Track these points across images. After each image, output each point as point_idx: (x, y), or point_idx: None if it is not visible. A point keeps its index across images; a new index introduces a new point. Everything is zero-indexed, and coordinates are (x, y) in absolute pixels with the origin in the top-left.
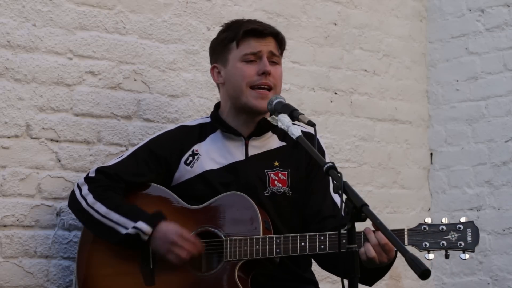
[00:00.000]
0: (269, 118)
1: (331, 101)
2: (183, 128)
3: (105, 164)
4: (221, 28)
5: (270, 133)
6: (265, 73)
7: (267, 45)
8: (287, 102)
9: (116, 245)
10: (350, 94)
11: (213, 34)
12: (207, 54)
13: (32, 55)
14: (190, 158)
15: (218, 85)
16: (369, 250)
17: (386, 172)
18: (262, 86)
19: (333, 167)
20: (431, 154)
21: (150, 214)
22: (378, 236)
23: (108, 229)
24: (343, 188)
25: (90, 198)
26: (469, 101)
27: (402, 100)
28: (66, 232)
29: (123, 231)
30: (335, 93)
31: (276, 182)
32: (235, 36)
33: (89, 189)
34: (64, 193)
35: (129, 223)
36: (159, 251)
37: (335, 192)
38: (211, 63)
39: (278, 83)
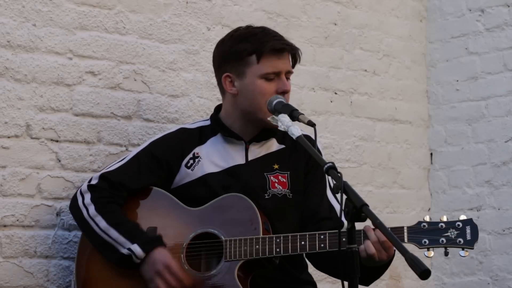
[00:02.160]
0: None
1: (331, 101)
2: (183, 131)
3: (107, 169)
4: (233, 34)
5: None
6: (285, 93)
7: (286, 64)
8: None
9: (109, 261)
10: (350, 94)
11: (213, 34)
12: (207, 54)
13: (32, 55)
14: (191, 161)
15: (225, 92)
16: (369, 247)
17: (386, 172)
18: None
19: (333, 167)
20: (431, 154)
21: (148, 238)
22: (377, 233)
23: (105, 244)
24: (343, 188)
25: (92, 209)
26: (469, 101)
27: (402, 100)
28: (66, 232)
29: (121, 249)
30: (335, 93)
31: (276, 184)
32: (256, 51)
33: (91, 199)
34: (64, 193)
35: (127, 244)
36: (144, 276)
37: (335, 192)
38: (221, 70)
39: (289, 96)
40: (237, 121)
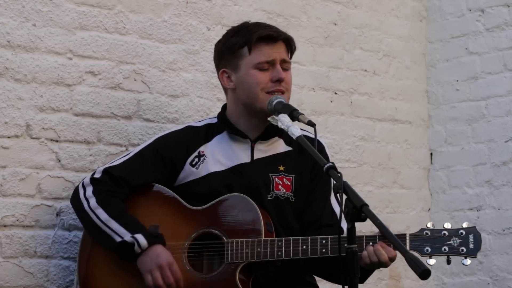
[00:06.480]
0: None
1: (331, 101)
2: (189, 129)
3: (111, 164)
4: (227, 31)
5: (276, 137)
6: (279, 81)
7: (280, 52)
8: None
9: (108, 249)
10: (350, 94)
11: (213, 34)
12: (207, 54)
13: (32, 55)
14: (196, 160)
15: (226, 89)
16: (373, 255)
17: (386, 172)
18: (276, 93)
19: (333, 167)
20: (431, 154)
21: (151, 232)
22: (387, 250)
23: (104, 235)
24: (343, 188)
25: (93, 201)
26: (469, 101)
27: (402, 100)
28: (66, 232)
29: (118, 239)
30: (335, 93)
31: (280, 186)
32: (246, 42)
33: (93, 192)
34: (64, 193)
35: (127, 234)
36: (142, 267)
37: (335, 192)
38: (219, 67)
39: (289, 87)
40: (241, 118)
